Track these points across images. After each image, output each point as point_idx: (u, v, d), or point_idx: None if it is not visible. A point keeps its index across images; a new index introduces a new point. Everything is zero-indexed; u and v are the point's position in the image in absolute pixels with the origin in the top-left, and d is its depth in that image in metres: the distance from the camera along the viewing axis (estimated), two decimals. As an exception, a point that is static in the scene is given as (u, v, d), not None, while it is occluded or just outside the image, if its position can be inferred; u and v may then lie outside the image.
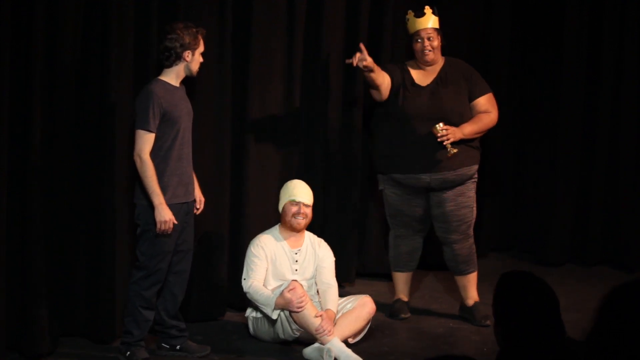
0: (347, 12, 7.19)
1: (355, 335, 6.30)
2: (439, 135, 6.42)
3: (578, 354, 3.25)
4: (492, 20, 8.02)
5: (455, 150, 6.44)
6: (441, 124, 6.42)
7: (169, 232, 5.82)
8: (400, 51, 7.25)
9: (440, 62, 6.70)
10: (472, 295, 6.85)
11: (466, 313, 6.83)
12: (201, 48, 5.96)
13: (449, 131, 6.42)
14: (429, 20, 6.60)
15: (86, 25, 6.07)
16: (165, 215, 5.78)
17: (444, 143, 6.43)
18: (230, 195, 6.76)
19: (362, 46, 6.36)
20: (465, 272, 6.80)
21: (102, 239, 6.17)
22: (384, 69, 6.64)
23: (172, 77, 5.93)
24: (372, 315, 6.36)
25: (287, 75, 6.95)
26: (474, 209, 6.76)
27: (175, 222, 5.82)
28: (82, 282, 6.22)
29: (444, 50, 6.73)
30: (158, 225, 5.78)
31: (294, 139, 7.03)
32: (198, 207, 6.17)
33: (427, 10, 6.61)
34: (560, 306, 3.34)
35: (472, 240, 6.79)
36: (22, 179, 5.86)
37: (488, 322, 6.63)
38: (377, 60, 7.26)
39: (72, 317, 6.22)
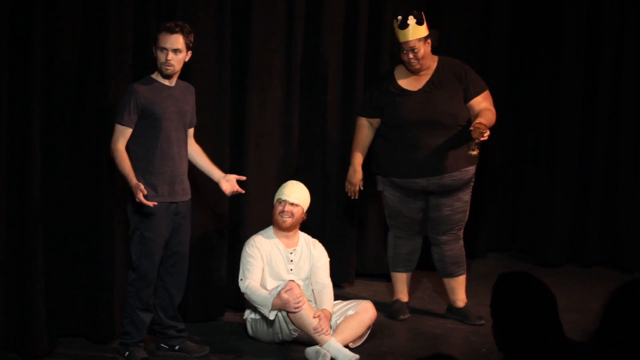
0: (346, 11, 7.18)
1: (355, 341, 6.30)
2: (482, 138, 6.22)
3: (577, 355, 3.24)
4: (491, 21, 8.01)
5: (475, 153, 6.31)
6: (480, 125, 6.22)
7: (142, 200, 5.69)
8: (398, 51, 7.24)
9: (432, 65, 6.61)
10: (461, 297, 6.85)
11: (457, 314, 6.83)
12: (160, 43, 5.84)
13: (486, 130, 6.23)
14: (412, 32, 6.43)
15: (85, 26, 6.07)
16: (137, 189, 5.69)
17: (480, 139, 6.23)
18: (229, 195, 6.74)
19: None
20: (455, 274, 6.80)
21: (100, 239, 6.17)
22: (370, 106, 6.65)
23: (159, 74, 5.93)
24: (373, 321, 6.36)
25: (286, 75, 6.95)
26: (467, 211, 6.76)
27: (144, 192, 5.68)
28: (80, 282, 6.21)
29: (437, 50, 6.68)
30: (136, 197, 5.70)
31: (293, 140, 7.03)
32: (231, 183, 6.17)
33: (411, 20, 6.42)
34: (558, 307, 3.34)
35: (462, 242, 6.79)
36: (21, 180, 5.85)
37: (482, 322, 6.65)
38: (376, 60, 7.28)
39: (70, 317, 6.21)
